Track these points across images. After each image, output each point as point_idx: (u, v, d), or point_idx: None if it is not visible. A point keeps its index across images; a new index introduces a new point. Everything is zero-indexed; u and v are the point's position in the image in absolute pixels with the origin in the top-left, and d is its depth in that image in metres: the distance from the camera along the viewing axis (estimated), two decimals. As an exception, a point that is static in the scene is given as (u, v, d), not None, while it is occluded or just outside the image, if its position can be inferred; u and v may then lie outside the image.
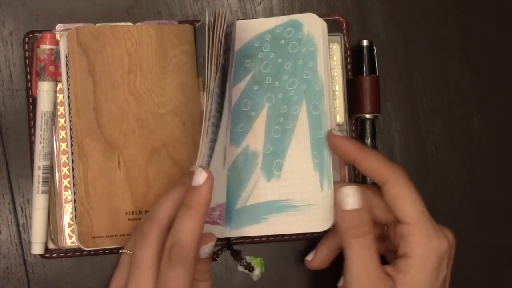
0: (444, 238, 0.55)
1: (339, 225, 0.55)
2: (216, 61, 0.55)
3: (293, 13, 0.65)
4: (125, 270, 0.54)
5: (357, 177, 0.63)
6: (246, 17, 0.65)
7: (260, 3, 0.66)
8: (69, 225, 0.60)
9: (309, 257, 0.62)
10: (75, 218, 0.58)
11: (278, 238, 0.63)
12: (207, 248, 0.54)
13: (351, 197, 0.54)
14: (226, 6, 0.66)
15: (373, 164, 0.56)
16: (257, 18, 0.65)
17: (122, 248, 0.57)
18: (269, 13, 0.66)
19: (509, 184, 0.68)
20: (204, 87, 0.59)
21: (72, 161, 0.59)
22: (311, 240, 0.64)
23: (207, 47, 0.55)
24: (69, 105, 0.59)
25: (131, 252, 0.54)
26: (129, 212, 0.59)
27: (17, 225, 0.63)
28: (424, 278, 0.54)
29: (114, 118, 0.59)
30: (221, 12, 0.56)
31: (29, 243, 0.61)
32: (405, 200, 0.55)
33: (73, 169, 0.58)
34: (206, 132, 0.54)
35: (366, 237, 0.54)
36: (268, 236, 0.63)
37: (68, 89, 0.59)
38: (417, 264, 0.54)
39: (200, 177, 0.52)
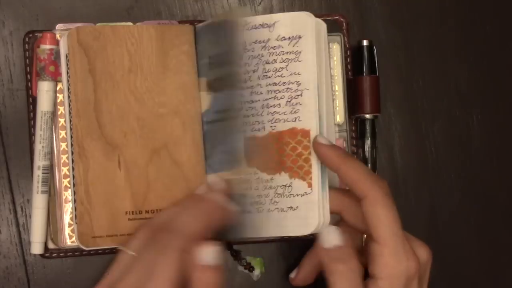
0: (413, 259, 0.54)
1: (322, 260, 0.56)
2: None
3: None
4: (121, 268, 0.54)
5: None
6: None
7: (260, 3, 0.66)
8: (69, 225, 0.60)
9: (292, 275, 0.62)
10: (75, 218, 0.58)
11: (278, 238, 0.63)
12: (204, 253, 0.53)
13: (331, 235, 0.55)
14: (226, 7, 0.66)
15: (354, 178, 0.55)
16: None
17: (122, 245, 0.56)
18: (269, 13, 0.66)
19: (509, 184, 0.68)
20: (205, 87, 0.60)
21: (72, 161, 0.58)
22: (311, 241, 0.64)
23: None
24: (69, 105, 0.59)
25: (133, 254, 0.54)
26: (129, 212, 0.59)
27: (17, 225, 0.63)
28: None
29: (114, 118, 0.59)
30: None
31: (29, 243, 0.61)
32: (379, 220, 0.54)
33: (73, 169, 0.58)
34: None
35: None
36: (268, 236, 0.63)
37: (68, 89, 0.59)
38: (385, 285, 0.53)
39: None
